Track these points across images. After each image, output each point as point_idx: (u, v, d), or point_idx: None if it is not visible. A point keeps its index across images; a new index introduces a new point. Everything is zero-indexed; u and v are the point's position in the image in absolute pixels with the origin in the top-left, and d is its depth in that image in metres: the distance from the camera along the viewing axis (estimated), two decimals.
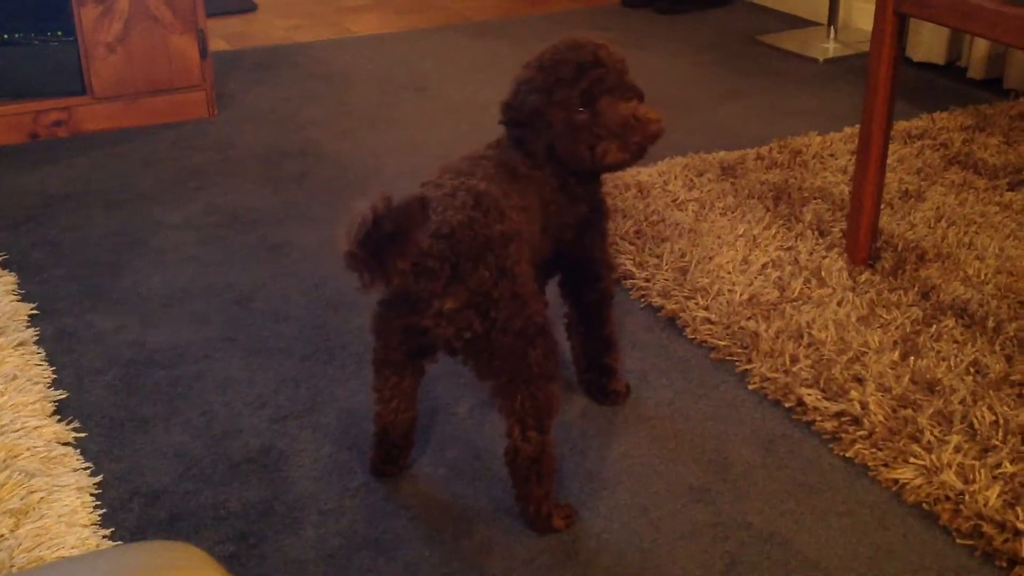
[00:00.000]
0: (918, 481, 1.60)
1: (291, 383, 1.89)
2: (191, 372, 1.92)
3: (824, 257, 2.20)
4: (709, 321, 2.00)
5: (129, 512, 1.59)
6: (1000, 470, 1.60)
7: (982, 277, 2.12)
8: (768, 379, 1.85)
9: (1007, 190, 2.49)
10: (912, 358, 1.87)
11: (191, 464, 1.69)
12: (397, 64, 3.50)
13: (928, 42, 3.33)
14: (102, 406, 1.83)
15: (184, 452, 1.72)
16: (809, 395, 1.79)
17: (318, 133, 2.95)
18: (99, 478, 1.65)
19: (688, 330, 2.00)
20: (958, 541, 1.52)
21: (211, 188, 2.62)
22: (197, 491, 1.64)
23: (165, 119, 2.98)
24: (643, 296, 2.11)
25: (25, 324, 2.04)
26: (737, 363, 1.91)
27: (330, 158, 2.79)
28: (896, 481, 1.62)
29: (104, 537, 1.53)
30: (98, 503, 1.60)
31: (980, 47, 3.19)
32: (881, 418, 1.72)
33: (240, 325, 2.06)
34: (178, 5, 2.90)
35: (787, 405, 1.80)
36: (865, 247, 2.18)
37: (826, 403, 1.77)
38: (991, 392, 1.77)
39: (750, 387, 1.85)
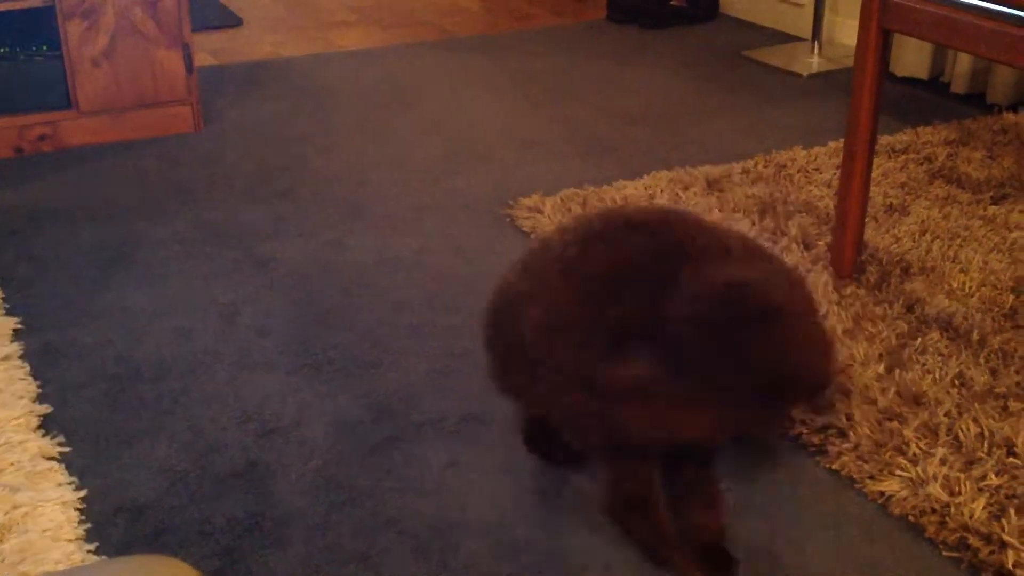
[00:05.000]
0: (904, 494, 1.60)
1: (277, 398, 1.88)
2: (176, 387, 1.91)
3: (809, 271, 2.21)
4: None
5: (114, 527, 1.59)
6: (985, 482, 1.61)
7: (966, 290, 2.13)
8: None
9: (990, 204, 2.50)
10: (897, 371, 1.87)
11: (176, 479, 1.69)
12: (383, 79, 3.51)
13: (911, 57, 3.36)
14: (87, 421, 1.82)
15: (169, 467, 1.71)
16: (795, 408, 1.79)
17: (304, 148, 2.95)
18: (84, 493, 1.64)
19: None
20: (944, 553, 1.52)
21: (197, 203, 2.62)
22: (182, 506, 1.63)
23: (151, 134, 2.98)
24: None
25: (9, 339, 2.03)
26: None
27: (316, 173, 2.79)
28: (882, 494, 1.62)
29: (89, 552, 1.52)
30: (83, 518, 1.59)
31: (963, 62, 3.22)
32: (867, 431, 1.72)
33: (226, 340, 2.06)
34: (164, 19, 2.90)
35: None
36: (850, 261, 2.18)
37: (812, 416, 1.77)
38: (976, 405, 1.78)
39: None
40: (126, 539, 1.56)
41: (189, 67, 2.97)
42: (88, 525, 1.58)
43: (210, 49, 3.80)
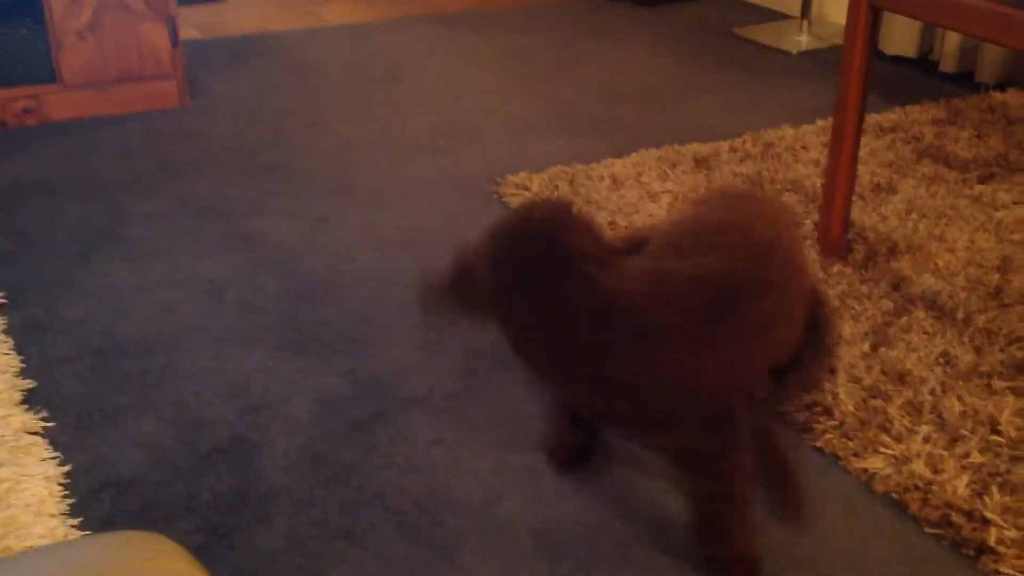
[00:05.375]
0: (888, 471, 1.61)
1: (263, 374, 1.88)
2: (161, 362, 1.91)
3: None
4: None
5: (99, 502, 1.58)
6: (968, 460, 1.61)
7: (952, 269, 2.13)
8: None
9: (977, 183, 2.50)
10: (883, 349, 1.88)
11: (161, 454, 1.68)
12: (371, 54, 3.49)
13: (900, 35, 3.35)
14: (71, 396, 1.81)
15: (154, 442, 1.71)
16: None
17: (291, 123, 2.93)
18: (68, 468, 1.64)
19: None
20: (927, 530, 1.53)
21: (182, 178, 2.61)
22: (167, 481, 1.63)
23: (136, 108, 2.96)
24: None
25: None
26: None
27: (303, 148, 2.78)
28: (866, 471, 1.62)
29: (73, 527, 1.52)
30: (66, 493, 1.58)
31: (952, 41, 3.21)
32: (852, 408, 1.73)
33: (211, 315, 2.05)
34: None
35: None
36: (837, 239, 2.19)
37: (800, 394, 1.77)
38: (960, 383, 1.78)
39: None
40: (110, 514, 1.56)
41: (174, 41, 2.95)
42: (72, 500, 1.57)
43: (196, 23, 3.77)
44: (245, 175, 2.63)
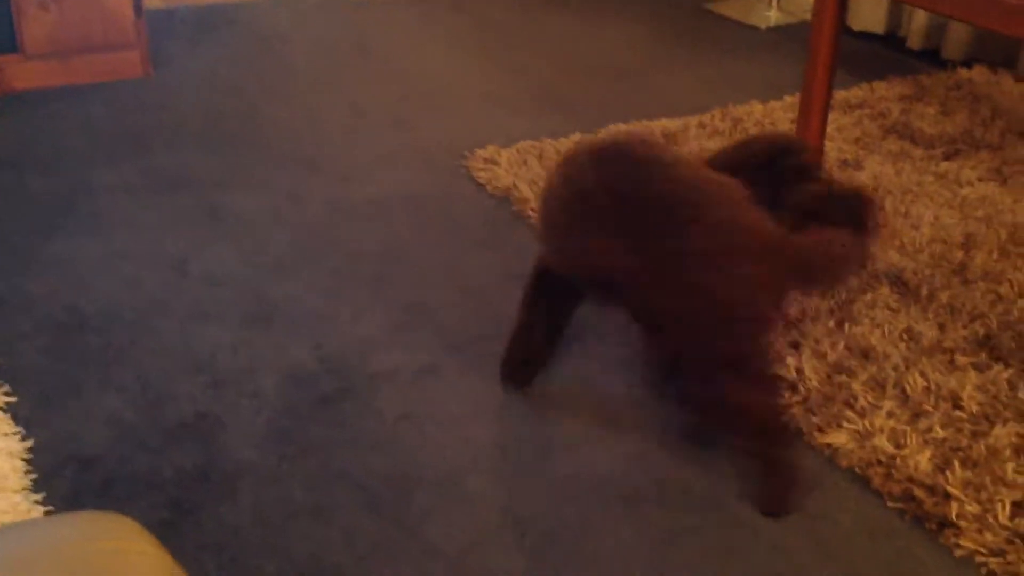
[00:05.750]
0: (851, 446, 1.62)
1: (228, 349, 1.87)
2: (125, 337, 1.89)
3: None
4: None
5: (62, 478, 1.57)
6: (931, 435, 1.63)
7: (917, 246, 2.15)
8: None
9: (943, 160, 2.52)
10: (847, 325, 1.89)
11: (125, 430, 1.67)
12: (339, 26, 3.46)
13: (868, 12, 3.36)
14: (34, 371, 1.80)
15: (118, 418, 1.70)
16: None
17: (257, 95, 2.90)
18: (31, 443, 1.62)
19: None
20: (889, 504, 1.54)
21: (146, 151, 2.58)
22: (131, 457, 1.62)
23: (99, 78, 2.92)
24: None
25: None
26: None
27: (269, 121, 2.75)
28: (830, 446, 1.64)
29: (36, 503, 1.50)
30: (29, 468, 1.57)
31: (919, 18, 3.22)
32: (816, 384, 1.74)
33: (176, 290, 2.03)
34: None
35: None
36: None
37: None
38: (923, 359, 1.80)
39: None
40: (73, 490, 1.55)
41: (138, 10, 2.91)
42: (35, 476, 1.56)
43: None
44: (210, 147, 2.60)
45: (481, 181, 2.43)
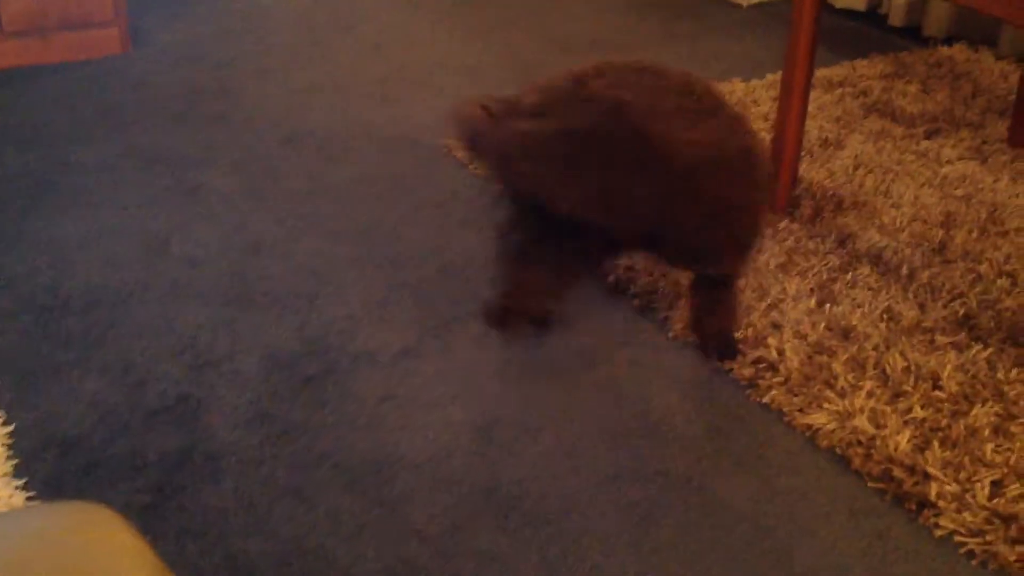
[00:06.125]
0: (831, 426, 1.64)
1: (209, 329, 1.86)
2: (106, 318, 1.88)
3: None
4: (631, 268, 2.01)
5: (43, 462, 1.57)
6: (911, 415, 1.64)
7: (897, 225, 2.16)
8: (688, 326, 1.86)
9: (924, 138, 2.52)
10: (828, 305, 1.90)
11: (106, 412, 1.67)
12: (321, 3, 3.43)
13: None
14: (14, 352, 1.79)
15: (99, 400, 1.69)
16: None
17: (238, 71, 2.88)
18: (11, 427, 1.62)
19: (610, 278, 2.01)
20: (869, 485, 1.56)
21: (126, 128, 2.56)
22: (113, 440, 1.61)
23: (78, 56, 2.89)
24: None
25: None
26: (658, 310, 1.92)
27: (250, 97, 2.74)
28: (810, 426, 1.65)
29: (17, 488, 1.50)
30: (10, 453, 1.57)
31: None
32: (797, 364, 1.75)
33: (157, 270, 2.02)
34: None
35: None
36: (785, 195, 2.20)
37: (744, 349, 1.79)
38: (904, 339, 1.81)
39: (670, 334, 1.87)
40: (55, 474, 1.55)
41: None
42: (16, 460, 1.56)
43: None
44: (190, 125, 2.58)
45: (464, 160, 2.42)
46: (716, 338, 1.81)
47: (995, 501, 1.49)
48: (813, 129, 2.54)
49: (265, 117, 2.64)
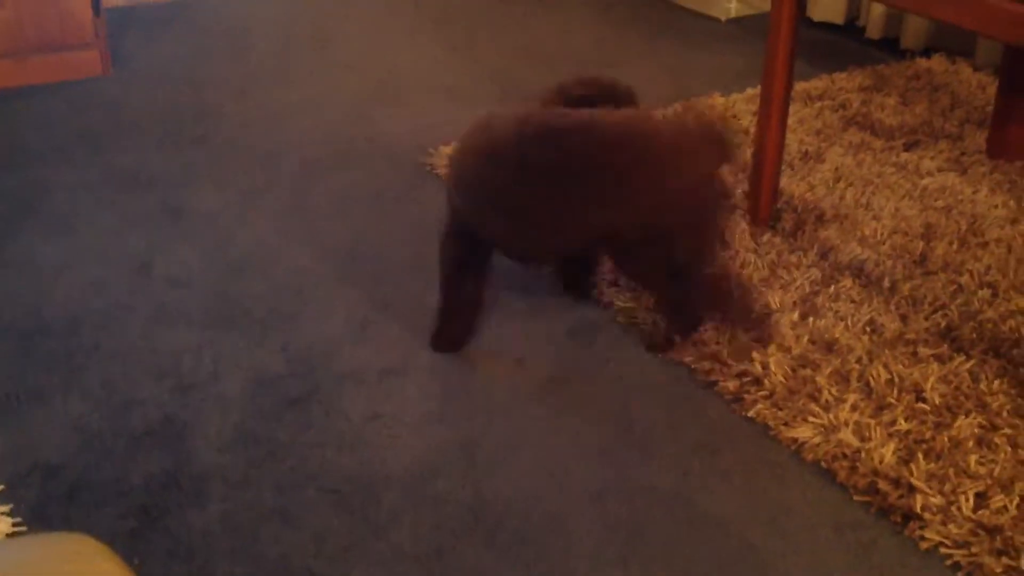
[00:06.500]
0: (816, 440, 1.64)
1: (193, 351, 1.86)
2: (89, 342, 1.87)
3: (727, 219, 2.22)
4: (615, 284, 2.01)
5: (28, 487, 1.56)
6: (895, 427, 1.65)
7: (878, 237, 2.17)
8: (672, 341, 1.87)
9: (903, 150, 2.54)
10: (811, 318, 1.90)
11: (91, 436, 1.66)
12: (298, 20, 3.43)
13: (827, 2, 3.38)
14: None
15: (83, 425, 1.68)
16: (713, 356, 1.81)
17: (217, 92, 2.88)
18: None
19: (595, 292, 2.01)
20: (855, 498, 1.56)
21: (107, 150, 2.55)
22: (98, 464, 1.60)
23: (58, 78, 2.89)
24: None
25: None
26: (642, 325, 1.92)
27: (229, 118, 2.73)
28: (795, 440, 1.65)
29: (2, 513, 1.49)
30: None
31: (877, 7, 3.25)
32: (781, 378, 1.75)
33: (139, 292, 2.02)
34: None
35: (691, 366, 1.82)
36: (766, 208, 2.21)
37: (729, 363, 1.80)
38: (886, 351, 1.82)
39: (658, 354, 1.87)
40: (40, 499, 1.54)
41: (96, 8, 2.88)
42: (1, 486, 1.54)
43: None
44: (171, 146, 2.58)
45: (445, 177, 2.42)
46: (680, 315, 1.86)
47: (980, 513, 1.49)
48: (793, 142, 2.55)
49: (245, 137, 2.63)
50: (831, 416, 1.67)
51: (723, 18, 3.51)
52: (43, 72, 2.86)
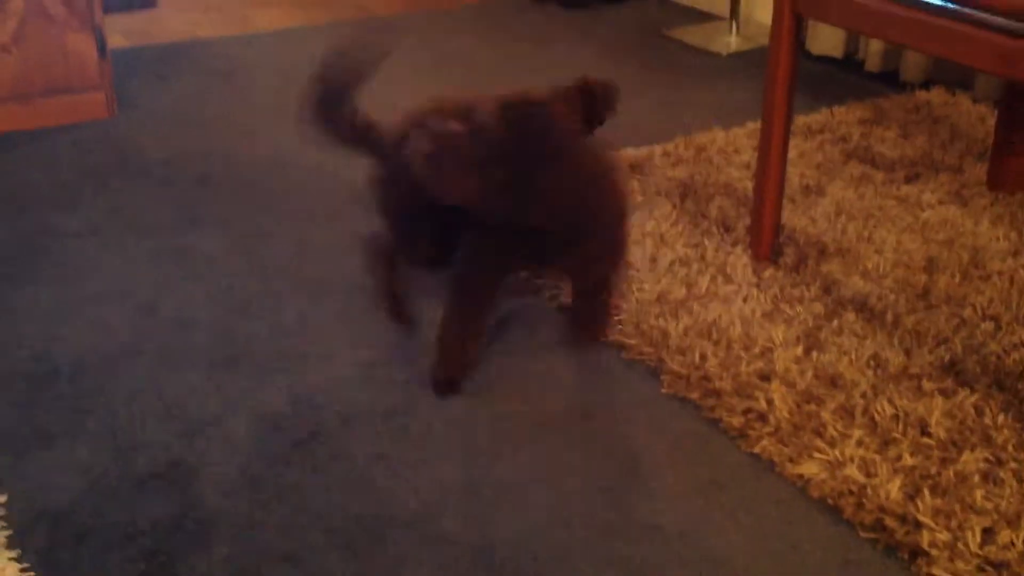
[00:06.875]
0: (822, 476, 1.64)
1: (199, 393, 1.86)
2: (95, 384, 1.88)
3: (729, 253, 2.24)
4: (619, 321, 2.02)
5: (36, 533, 1.56)
6: (901, 463, 1.65)
7: (881, 271, 2.17)
8: (678, 377, 1.87)
9: (904, 183, 2.55)
10: (815, 353, 1.91)
11: (98, 480, 1.66)
12: (302, 60, 3.45)
13: (826, 36, 3.40)
14: (5, 422, 1.78)
15: (90, 468, 1.69)
16: (717, 392, 1.82)
17: (222, 133, 2.90)
18: (3, 498, 1.61)
19: (601, 333, 2.02)
20: (861, 534, 1.56)
21: (112, 192, 2.57)
22: (105, 508, 1.61)
23: (63, 120, 2.91)
24: (553, 295, 2.12)
25: None
26: (648, 361, 1.93)
27: (234, 158, 2.75)
28: (801, 476, 1.65)
29: (11, 559, 1.49)
30: (3, 524, 1.56)
31: (877, 41, 3.27)
32: (786, 414, 1.76)
33: (145, 334, 2.03)
34: (73, 2, 2.83)
35: (696, 402, 1.82)
36: (768, 243, 2.22)
37: (734, 400, 1.80)
38: (891, 385, 1.82)
39: (663, 390, 1.88)
40: (48, 544, 1.54)
41: (102, 51, 2.90)
42: (8, 531, 1.55)
43: (122, 30, 3.72)
44: (176, 187, 2.60)
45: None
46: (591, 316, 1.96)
47: (987, 548, 1.49)
48: (794, 176, 2.57)
49: (249, 177, 2.65)
50: (837, 452, 1.67)
51: (723, 53, 3.53)
52: (49, 115, 2.89)
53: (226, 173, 2.67)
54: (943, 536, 1.51)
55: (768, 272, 2.17)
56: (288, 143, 2.84)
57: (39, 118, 2.88)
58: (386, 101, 3.19)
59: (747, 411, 1.78)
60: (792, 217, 2.38)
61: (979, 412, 1.75)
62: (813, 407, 1.77)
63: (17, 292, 2.16)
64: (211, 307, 2.11)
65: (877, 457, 1.66)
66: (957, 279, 2.14)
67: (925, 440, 1.69)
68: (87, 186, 2.60)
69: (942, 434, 1.70)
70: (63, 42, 2.85)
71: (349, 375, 1.91)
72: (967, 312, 2.02)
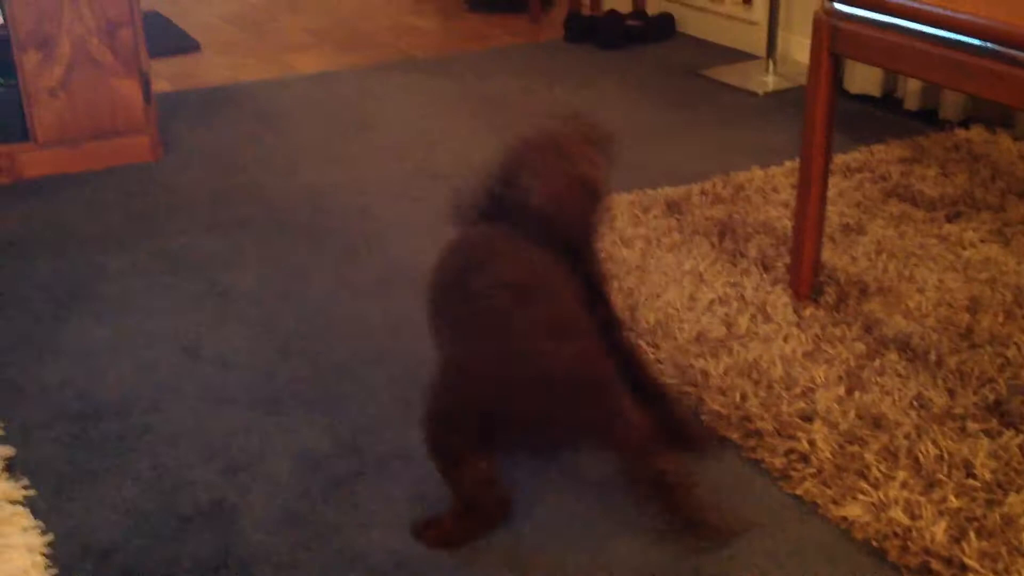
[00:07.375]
0: (866, 518, 1.63)
1: (241, 433, 1.88)
2: (139, 424, 1.90)
3: (769, 292, 2.23)
4: (659, 360, 2.02)
5: (82, 571, 1.57)
6: (945, 504, 1.63)
7: (923, 310, 2.16)
8: (718, 417, 1.87)
9: (945, 222, 2.54)
10: (857, 393, 1.90)
11: (141, 519, 1.68)
12: (341, 103, 3.51)
13: (864, 74, 3.40)
14: (51, 462, 1.81)
15: (135, 507, 1.70)
16: (759, 432, 1.81)
17: (263, 174, 2.94)
18: (50, 537, 1.63)
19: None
20: None
21: (156, 233, 2.61)
22: (149, 547, 1.62)
23: (109, 163, 2.96)
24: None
25: None
26: (688, 401, 1.93)
27: (276, 200, 2.79)
28: (845, 518, 1.64)
29: None
30: (49, 564, 1.57)
31: (915, 80, 3.26)
32: (829, 455, 1.75)
33: (188, 374, 2.05)
34: (120, 48, 2.89)
35: (737, 443, 1.82)
36: (808, 281, 2.21)
37: (776, 440, 1.79)
38: (935, 426, 1.81)
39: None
40: None
41: (147, 97, 2.96)
42: (55, 570, 1.56)
43: (167, 75, 3.78)
44: (219, 228, 2.63)
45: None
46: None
47: None
48: (834, 215, 2.56)
49: (291, 218, 2.68)
50: (881, 493, 1.66)
51: (760, 92, 3.54)
52: (96, 158, 2.94)
53: (267, 214, 2.70)
54: None
55: (808, 311, 2.16)
56: (328, 184, 2.87)
57: (86, 161, 2.93)
58: (421, 143, 3.22)
59: (789, 452, 1.77)
60: (832, 256, 2.38)
61: None
62: (856, 448, 1.76)
63: (64, 332, 2.19)
64: (253, 347, 2.13)
65: (922, 499, 1.64)
66: (1000, 319, 2.12)
67: (970, 482, 1.68)
68: (132, 227, 2.64)
69: (987, 476, 1.68)
70: (109, 87, 2.90)
71: (389, 415, 1.92)
72: (1011, 352, 2.00)
